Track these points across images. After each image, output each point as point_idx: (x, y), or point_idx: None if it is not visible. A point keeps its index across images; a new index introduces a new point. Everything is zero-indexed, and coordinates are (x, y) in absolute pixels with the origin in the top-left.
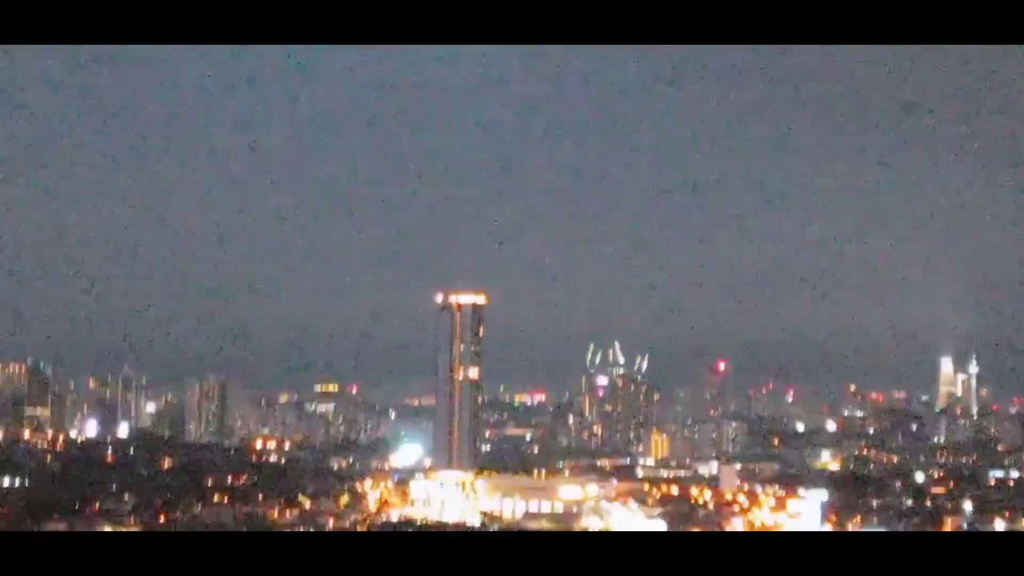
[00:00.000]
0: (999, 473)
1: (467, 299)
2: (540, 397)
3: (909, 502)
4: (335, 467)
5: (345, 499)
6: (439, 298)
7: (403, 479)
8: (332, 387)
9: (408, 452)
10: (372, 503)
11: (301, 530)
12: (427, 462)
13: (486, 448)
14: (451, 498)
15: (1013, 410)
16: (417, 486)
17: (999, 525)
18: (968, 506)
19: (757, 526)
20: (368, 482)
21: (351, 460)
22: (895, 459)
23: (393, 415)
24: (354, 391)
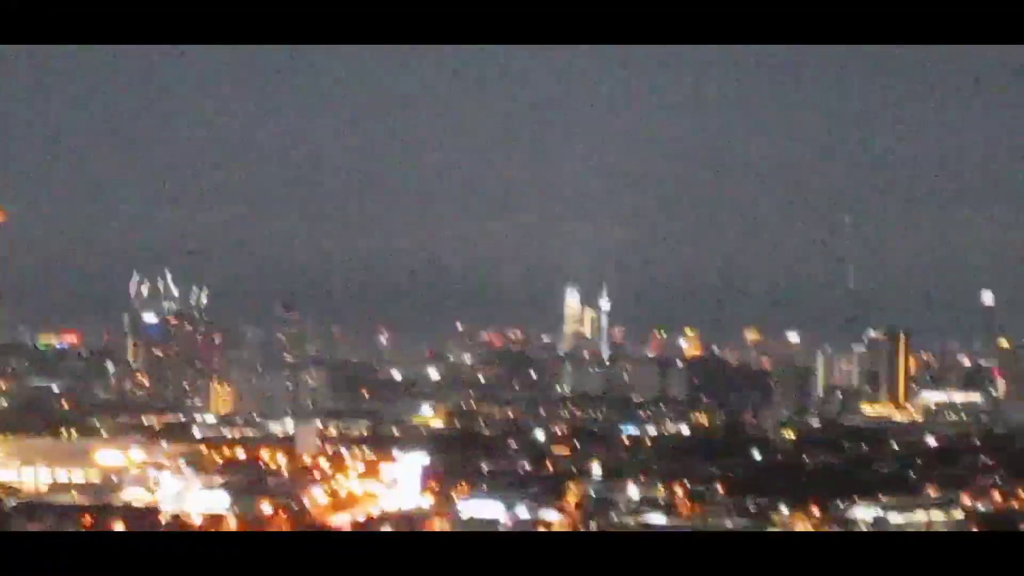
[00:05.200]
0: (633, 429)
1: None
2: (72, 339)
3: (528, 465)
4: None
5: None
6: None
7: None
8: None
9: None
10: None
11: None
12: None
13: (1, 403)
14: None
15: (650, 353)
16: None
17: (632, 491)
18: (597, 469)
19: (343, 496)
20: None
21: None
22: (510, 413)
23: None
24: None
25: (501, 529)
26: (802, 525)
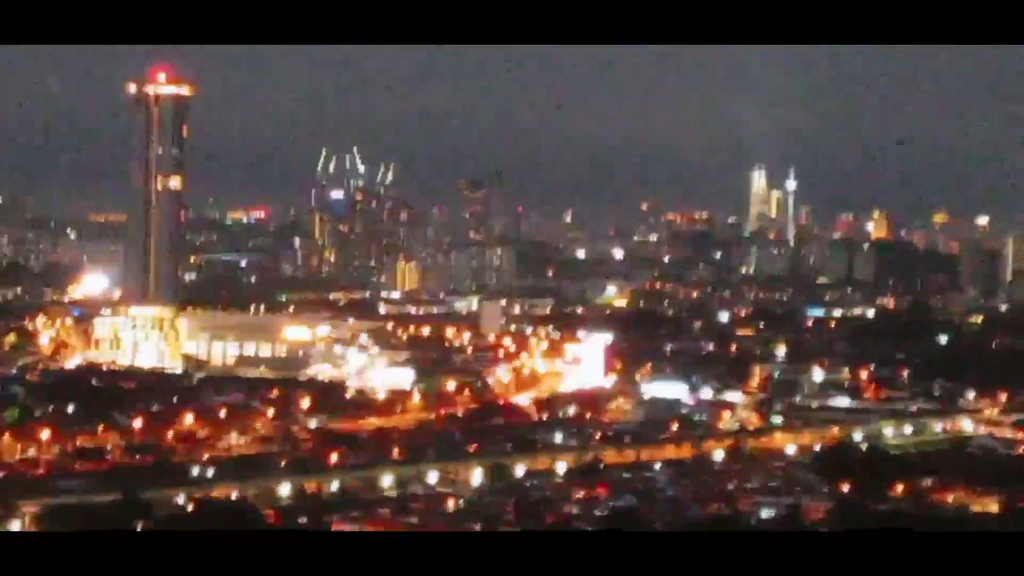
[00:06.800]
0: (818, 311)
1: (167, 91)
2: (259, 214)
3: (710, 347)
4: None
5: (11, 339)
6: (131, 88)
7: (85, 315)
8: None
9: (92, 281)
10: (46, 344)
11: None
12: (116, 294)
13: (190, 277)
14: (146, 338)
15: (836, 235)
16: (103, 324)
17: (816, 374)
18: (781, 351)
19: (525, 374)
20: (41, 319)
21: (19, 291)
22: (694, 294)
23: (73, 235)
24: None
25: (685, 407)
26: (988, 411)
